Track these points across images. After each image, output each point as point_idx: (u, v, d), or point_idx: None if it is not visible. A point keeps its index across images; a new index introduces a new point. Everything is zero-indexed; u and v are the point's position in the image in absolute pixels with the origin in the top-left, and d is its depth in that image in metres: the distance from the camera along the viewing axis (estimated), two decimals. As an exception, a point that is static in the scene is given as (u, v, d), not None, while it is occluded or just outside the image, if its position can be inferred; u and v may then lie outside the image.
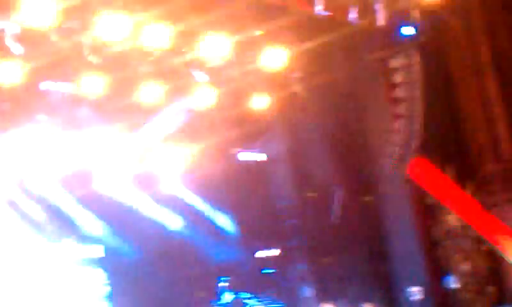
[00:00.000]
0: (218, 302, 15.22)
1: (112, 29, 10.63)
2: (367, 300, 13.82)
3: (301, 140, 16.13)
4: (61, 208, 15.03)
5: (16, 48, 10.77)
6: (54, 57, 11.34)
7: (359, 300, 14.19)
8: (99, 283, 15.48)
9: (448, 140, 14.13)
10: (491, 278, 14.16)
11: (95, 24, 10.72)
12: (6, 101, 12.48)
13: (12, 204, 14.19)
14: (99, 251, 15.63)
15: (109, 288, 15.49)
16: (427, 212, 14.50)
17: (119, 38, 10.93)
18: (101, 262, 15.63)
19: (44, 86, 12.82)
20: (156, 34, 11.21)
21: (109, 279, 15.56)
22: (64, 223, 15.02)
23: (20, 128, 13.32)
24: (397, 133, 14.24)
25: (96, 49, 11.44)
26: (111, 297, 15.45)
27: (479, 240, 14.00)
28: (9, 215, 14.21)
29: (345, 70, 14.38)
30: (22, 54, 10.85)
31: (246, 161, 16.79)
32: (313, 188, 16.13)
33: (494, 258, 13.77)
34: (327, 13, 12.39)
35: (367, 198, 15.65)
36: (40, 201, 14.61)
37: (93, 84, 11.98)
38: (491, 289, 14.12)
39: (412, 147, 14.20)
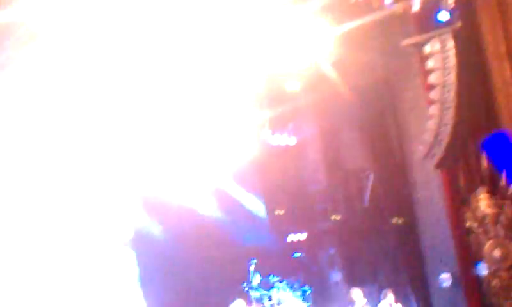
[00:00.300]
0: (248, 284, 15.30)
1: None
2: (397, 285, 13.78)
3: (333, 123, 16.11)
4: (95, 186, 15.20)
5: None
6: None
7: (388, 285, 14.14)
8: (129, 264, 15.62)
9: (483, 126, 14.01)
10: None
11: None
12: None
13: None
14: (130, 232, 15.77)
15: (139, 270, 15.64)
16: (459, 198, 14.42)
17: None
18: (132, 243, 15.77)
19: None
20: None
21: (139, 260, 15.70)
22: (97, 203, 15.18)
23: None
24: (430, 119, 14.16)
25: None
26: (141, 279, 15.60)
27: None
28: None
29: (379, 55, 14.32)
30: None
31: (278, 144, 16.81)
32: (345, 172, 16.09)
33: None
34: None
35: (398, 183, 15.60)
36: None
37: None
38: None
39: (445, 133, 14.10)
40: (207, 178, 16.53)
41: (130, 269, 15.51)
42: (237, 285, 15.37)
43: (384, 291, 13.31)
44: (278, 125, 16.69)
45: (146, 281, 15.49)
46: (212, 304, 15.71)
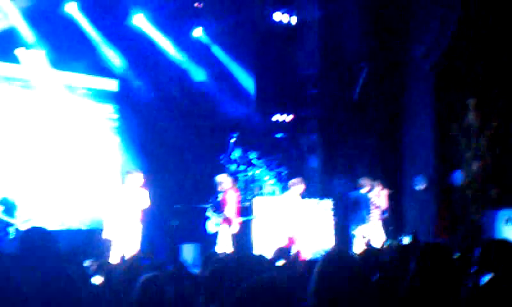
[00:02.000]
0: (226, 157, 15.31)
1: None
2: (374, 176, 13.87)
3: (336, 8, 15.82)
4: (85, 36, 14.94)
5: None
6: None
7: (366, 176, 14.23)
8: (110, 116, 15.53)
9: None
10: (497, 179, 14.30)
11: None
12: None
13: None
14: (113, 85, 15.61)
15: (118, 123, 15.56)
16: (448, 107, 14.45)
17: None
18: (114, 97, 15.64)
19: None
20: None
21: (120, 114, 15.60)
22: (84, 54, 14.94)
23: None
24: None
25: None
26: (120, 131, 15.54)
27: (495, 141, 14.02)
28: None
29: None
30: None
31: (279, 22, 16.56)
32: (340, 61, 15.94)
33: (505, 160, 13.86)
34: None
35: (391, 82, 15.55)
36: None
37: None
38: (494, 191, 14.28)
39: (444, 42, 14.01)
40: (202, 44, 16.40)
41: (109, 121, 15.41)
42: (216, 155, 15.38)
43: (360, 181, 13.38)
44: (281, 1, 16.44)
45: (124, 134, 15.43)
46: (190, 173, 15.77)
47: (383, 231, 13.34)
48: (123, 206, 11.52)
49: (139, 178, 11.72)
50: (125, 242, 11.28)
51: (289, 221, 12.25)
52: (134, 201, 11.55)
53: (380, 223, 13.41)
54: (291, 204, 12.46)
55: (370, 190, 13.35)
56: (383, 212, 13.50)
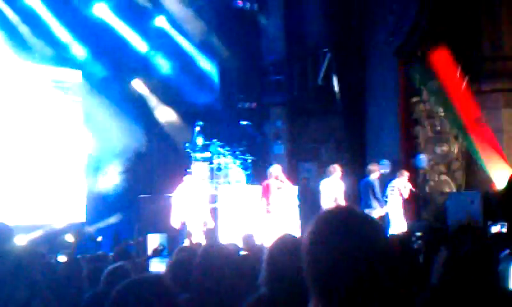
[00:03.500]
0: (191, 145, 15.21)
1: None
2: (340, 160, 13.88)
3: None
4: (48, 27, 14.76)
5: None
6: None
7: (332, 160, 14.22)
8: (74, 107, 15.36)
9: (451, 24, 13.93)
10: (461, 164, 14.37)
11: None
12: None
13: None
14: (77, 77, 15.44)
15: (83, 114, 15.42)
16: (412, 90, 14.47)
17: None
18: (78, 88, 15.48)
19: None
20: None
21: (84, 104, 15.44)
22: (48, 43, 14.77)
23: None
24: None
25: None
26: (85, 122, 15.40)
27: (459, 125, 14.08)
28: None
29: None
30: None
31: (242, 8, 16.45)
32: (303, 47, 15.90)
33: (468, 144, 13.91)
34: None
35: (354, 67, 15.56)
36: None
37: None
38: (459, 174, 14.35)
39: (409, 19, 14.00)
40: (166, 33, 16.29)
41: (73, 112, 15.26)
42: (180, 145, 15.29)
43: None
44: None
45: (92, 134, 15.30)
46: (153, 162, 15.66)
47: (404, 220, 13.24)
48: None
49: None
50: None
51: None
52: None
53: (402, 211, 13.36)
54: (335, 187, 12.68)
55: (394, 178, 13.28)
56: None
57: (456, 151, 14.41)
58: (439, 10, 14.08)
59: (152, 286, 2.83)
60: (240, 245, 9.24)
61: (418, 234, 6.29)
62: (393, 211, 13.26)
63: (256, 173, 15.38)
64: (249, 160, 15.40)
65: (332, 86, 15.51)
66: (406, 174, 13.44)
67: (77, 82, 15.45)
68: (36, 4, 14.56)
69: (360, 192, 13.11)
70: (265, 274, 3.50)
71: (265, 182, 12.45)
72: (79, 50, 15.28)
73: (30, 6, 14.47)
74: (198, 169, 13.19)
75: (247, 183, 14.94)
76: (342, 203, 12.22)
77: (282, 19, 15.96)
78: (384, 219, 12.99)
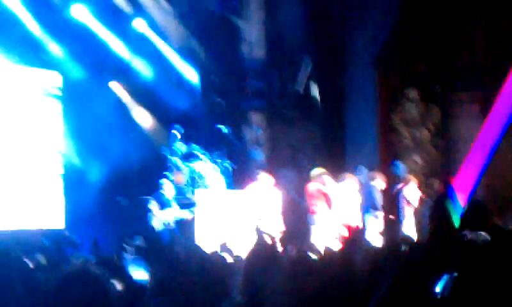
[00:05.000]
0: (170, 151, 15.18)
1: None
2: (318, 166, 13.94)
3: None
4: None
5: None
6: None
7: (310, 169, 14.23)
8: (53, 109, 15.28)
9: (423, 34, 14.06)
10: (438, 172, 14.49)
11: None
12: None
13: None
14: (57, 81, 15.36)
15: (62, 115, 15.34)
16: (390, 97, 14.57)
17: None
18: (57, 91, 15.40)
19: None
20: None
21: (63, 107, 15.37)
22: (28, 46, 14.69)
23: None
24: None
25: None
26: (64, 123, 15.33)
27: (437, 133, 14.21)
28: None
29: None
30: None
31: (222, 13, 16.42)
32: (283, 53, 15.91)
33: (448, 153, 14.06)
34: None
35: (334, 73, 15.63)
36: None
37: None
38: (435, 182, 14.46)
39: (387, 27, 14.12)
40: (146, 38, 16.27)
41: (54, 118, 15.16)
42: (159, 150, 15.25)
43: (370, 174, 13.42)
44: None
45: (71, 136, 15.22)
46: (134, 170, 15.59)
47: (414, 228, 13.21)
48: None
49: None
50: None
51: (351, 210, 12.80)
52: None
53: (413, 220, 13.33)
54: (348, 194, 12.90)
55: (397, 185, 13.35)
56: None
57: (434, 158, 14.55)
58: (417, 20, 14.23)
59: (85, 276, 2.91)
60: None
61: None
62: (405, 219, 13.29)
63: (236, 179, 15.38)
64: (228, 166, 15.40)
65: (311, 93, 15.54)
66: (411, 182, 13.49)
67: (56, 84, 15.35)
68: (13, 3, 14.48)
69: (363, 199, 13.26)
70: (242, 282, 3.50)
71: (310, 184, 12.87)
72: (57, 52, 15.20)
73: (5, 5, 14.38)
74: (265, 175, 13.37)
75: (226, 188, 14.92)
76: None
77: (262, 25, 15.93)
78: (395, 227, 13.09)
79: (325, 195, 12.85)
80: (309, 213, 12.89)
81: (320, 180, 12.90)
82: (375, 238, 12.12)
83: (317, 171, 13.07)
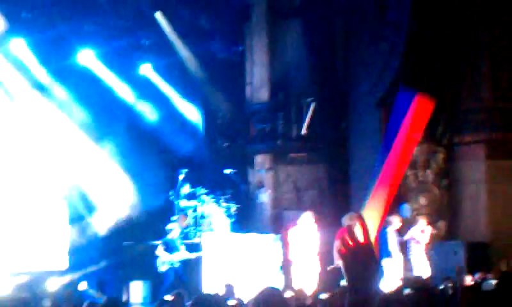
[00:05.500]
0: (175, 193, 15.23)
1: None
2: (321, 212, 13.93)
3: (282, 46, 15.98)
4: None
5: None
6: None
7: (316, 209, 14.21)
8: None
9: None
10: (443, 213, 14.49)
11: None
12: None
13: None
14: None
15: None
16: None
17: None
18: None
19: None
20: None
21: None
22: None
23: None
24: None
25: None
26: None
27: (442, 175, 14.23)
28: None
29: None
30: None
31: (226, 56, 16.59)
32: (287, 95, 16.00)
33: (452, 194, 14.06)
34: None
35: (338, 115, 15.73)
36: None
37: None
38: (441, 223, 14.45)
39: (391, 71, 14.20)
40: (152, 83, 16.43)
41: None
42: (166, 192, 15.30)
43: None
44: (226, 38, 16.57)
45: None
46: (140, 209, 15.58)
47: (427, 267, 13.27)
48: None
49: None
50: None
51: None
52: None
53: (423, 259, 13.40)
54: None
55: (410, 227, 13.48)
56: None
57: (439, 200, 14.55)
58: (422, 62, 14.33)
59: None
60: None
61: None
62: (415, 259, 13.34)
63: (241, 221, 15.39)
64: (234, 208, 15.42)
65: (316, 135, 15.60)
66: (421, 222, 13.52)
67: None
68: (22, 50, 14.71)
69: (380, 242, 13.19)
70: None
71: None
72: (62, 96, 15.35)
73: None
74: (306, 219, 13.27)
75: (231, 231, 14.93)
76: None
77: (267, 67, 16.04)
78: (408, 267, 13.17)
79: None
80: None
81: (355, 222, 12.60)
82: (392, 281, 12.05)
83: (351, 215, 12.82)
